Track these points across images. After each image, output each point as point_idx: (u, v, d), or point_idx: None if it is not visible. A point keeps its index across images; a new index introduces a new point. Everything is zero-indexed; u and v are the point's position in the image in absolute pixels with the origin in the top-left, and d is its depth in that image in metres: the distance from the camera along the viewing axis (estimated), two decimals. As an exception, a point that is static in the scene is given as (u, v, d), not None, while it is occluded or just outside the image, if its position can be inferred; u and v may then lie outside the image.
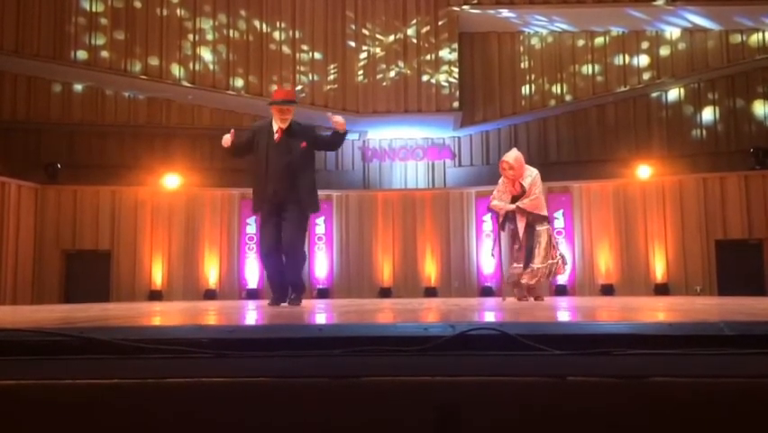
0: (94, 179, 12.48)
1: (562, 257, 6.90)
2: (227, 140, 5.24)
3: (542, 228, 6.64)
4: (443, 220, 12.73)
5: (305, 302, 5.51)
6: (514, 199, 6.69)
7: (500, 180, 6.85)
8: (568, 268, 7.34)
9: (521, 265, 6.70)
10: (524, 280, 6.64)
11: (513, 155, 6.73)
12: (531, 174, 6.69)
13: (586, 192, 12.34)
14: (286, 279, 5.23)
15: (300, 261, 5.32)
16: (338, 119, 5.27)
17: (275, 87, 13.27)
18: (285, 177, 5.11)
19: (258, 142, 5.24)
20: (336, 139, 5.37)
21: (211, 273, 12.37)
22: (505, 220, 6.79)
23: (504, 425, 1.32)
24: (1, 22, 12.39)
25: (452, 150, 14.01)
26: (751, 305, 4.40)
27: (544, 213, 6.75)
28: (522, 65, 13.76)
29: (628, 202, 12.13)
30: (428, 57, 13.15)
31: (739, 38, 12.90)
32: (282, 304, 5.20)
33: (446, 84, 13.04)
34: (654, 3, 12.60)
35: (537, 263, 6.58)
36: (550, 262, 6.62)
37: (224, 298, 11.90)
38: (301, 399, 1.35)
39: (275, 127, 5.22)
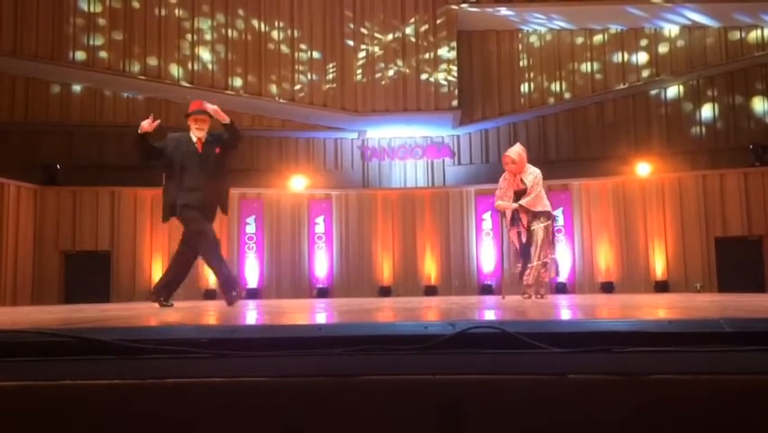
0: (93, 179, 12.47)
1: (554, 262, 6.89)
2: (149, 124, 5.33)
3: (538, 226, 6.64)
4: (443, 219, 12.73)
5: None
6: (517, 196, 6.71)
7: (501, 178, 6.89)
8: (557, 273, 7.39)
9: (519, 264, 6.77)
10: (525, 280, 6.66)
11: (516, 150, 6.79)
12: (533, 172, 6.72)
13: (585, 190, 12.34)
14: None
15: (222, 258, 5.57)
16: (211, 108, 5.42)
17: (274, 88, 13.28)
18: (205, 185, 5.32)
19: (171, 152, 5.40)
20: (231, 133, 5.53)
21: (210, 273, 12.34)
22: (512, 219, 6.80)
23: (505, 423, 1.32)
24: (-1, 23, 12.39)
25: (451, 148, 14.01)
26: (751, 302, 4.40)
27: (544, 209, 6.73)
28: (521, 63, 13.75)
29: (628, 200, 12.13)
30: (427, 55, 13.15)
31: (738, 35, 12.90)
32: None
33: (445, 82, 13.04)
34: (653, 0, 12.60)
35: (534, 261, 6.61)
36: (543, 260, 6.62)
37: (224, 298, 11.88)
38: (301, 399, 1.35)
39: (194, 138, 5.44)
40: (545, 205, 6.75)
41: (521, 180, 6.71)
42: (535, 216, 6.66)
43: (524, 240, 6.72)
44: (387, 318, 3.03)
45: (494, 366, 1.47)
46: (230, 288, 5.40)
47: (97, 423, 1.34)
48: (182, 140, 5.46)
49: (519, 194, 6.70)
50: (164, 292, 5.48)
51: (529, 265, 6.61)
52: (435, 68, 13.10)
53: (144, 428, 1.34)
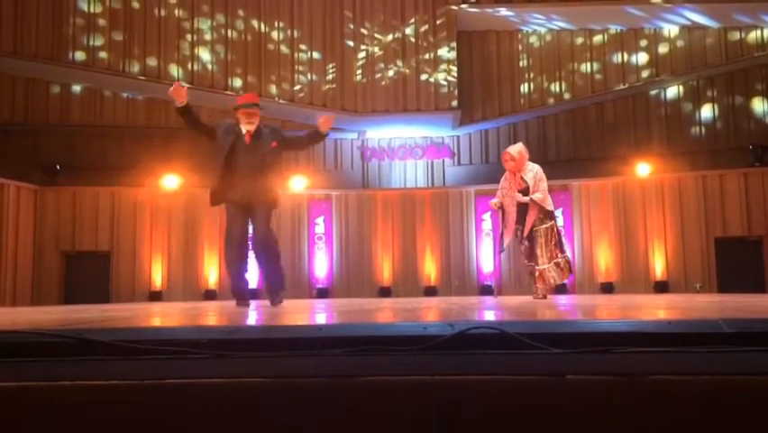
0: (93, 180, 12.47)
1: (567, 261, 6.63)
2: (180, 92, 5.09)
3: (541, 227, 6.52)
4: (443, 219, 12.73)
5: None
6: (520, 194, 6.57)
7: (503, 178, 6.77)
8: (572, 272, 6.97)
9: (532, 264, 6.56)
10: (539, 286, 6.50)
11: (516, 148, 6.69)
12: (533, 169, 6.58)
13: (585, 190, 12.34)
14: (264, 278, 5.45)
15: (277, 255, 5.52)
16: (326, 118, 5.29)
17: (274, 88, 13.29)
18: (252, 179, 5.20)
19: (221, 138, 5.27)
20: (311, 140, 5.46)
21: (211, 274, 12.36)
22: (516, 218, 6.61)
23: (504, 423, 1.32)
24: (-1, 23, 12.40)
25: (451, 149, 14.01)
26: (750, 302, 4.40)
27: (549, 207, 6.60)
28: (521, 63, 13.76)
29: (628, 200, 12.12)
30: (427, 56, 13.15)
31: (738, 35, 12.91)
32: (251, 304, 5.32)
33: (445, 83, 13.04)
34: (653, 0, 12.60)
35: (542, 264, 6.45)
36: (555, 261, 6.46)
37: (224, 298, 11.89)
38: (301, 399, 1.35)
39: (244, 130, 5.27)
40: (550, 203, 6.65)
41: (521, 179, 6.56)
42: (541, 217, 6.52)
43: (524, 240, 6.57)
44: (386, 319, 3.03)
45: (493, 367, 1.47)
46: (234, 295, 5.37)
47: (97, 423, 1.34)
48: (233, 128, 5.29)
49: (522, 192, 6.55)
50: (236, 295, 5.38)
51: (537, 268, 6.45)
52: (435, 68, 13.10)
53: (144, 428, 1.34)
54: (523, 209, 6.56)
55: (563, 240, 6.95)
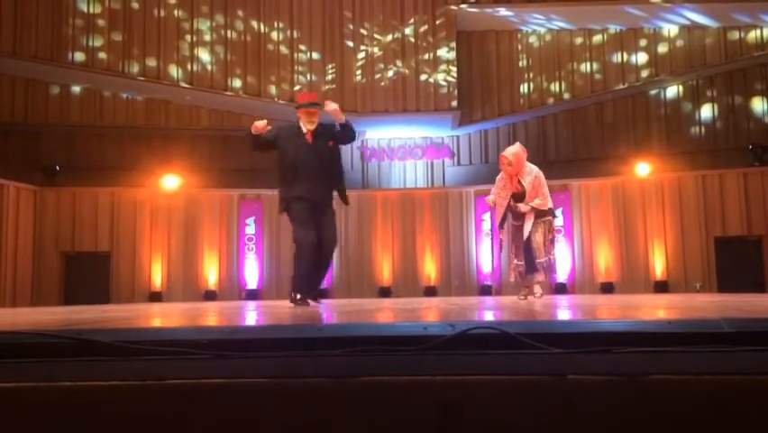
0: (92, 180, 12.47)
1: (550, 261, 6.56)
2: (262, 126, 5.20)
3: (540, 220, 6.40)
4: (443, 219, 12.73)
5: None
6: (514, 196, 6.43)
7: (498, 177, 6.64)
8: (555, 272, 6.96)
9: (522, 263, 6.44)
10: (538, 279, 6.42)
11: (512, 150, 6.50)
12: (531, 172, 6.43)
13: (585, 190, 12.34)
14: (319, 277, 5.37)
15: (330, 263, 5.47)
16: (331, 107, 5.25)
17: (274, 89, 13.27)
18: (319, 177, 5.19)
19: (283, 143, 5.29)
20: (345, 132, 5.38)
21: (211, 274, 12.36)
22: (504, 219, 6.59)
23: (505, 423, 1.32)
24: (-2, 24, 12.40)
25: (450, 149, 14.01)
26: (750, 302, 4.40)
27: (549, 206, 6.52)
28: (520, 63, 13.76)
29: (627, 200, 12.12)
30: (426, 56, 13.15)
31: (737, 35, 12.91)
32: (311, 303, 5.20)
33: (444, 83, 13.04)
34: (652, 0, 12.60)
35: (539, 257, 6.36)
36: (545, 258, 6.40)
37: (224, 298, 11.90)
38: (301, 399, 1.35)
39: (304, 129, 5.27)
40: (550, 202, 6.57)
41: (518, 182, 6.41)
42: (539, 214, 6.40)
43: (520, 238, 6.46)
44: (386, 319, 3.02)
45: (494, 367, 1.47)
46: (300, 292, 5.18)
47: (97, 424, 1.34)
48: (293, 131, 5.33)
49: (518, 196, 6.43)
50: (303, 289, 5.22)
51: (537, 262, 6.35)
52: (435, 68, 13.10)
53: (144, 428, 1.34)
54: (521, 213, 6.47)
55: (555, 240, 6.86)
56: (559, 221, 11.95)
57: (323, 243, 5.23)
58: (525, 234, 6.39)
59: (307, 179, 5.18)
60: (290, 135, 5.30)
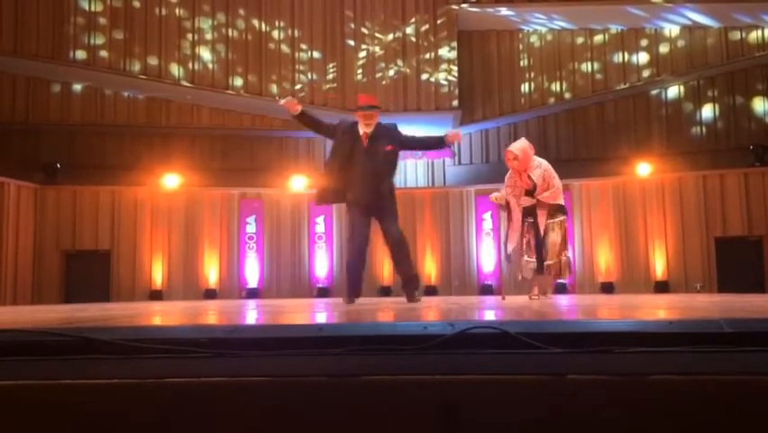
0: (93, 179, 12.47)
1: (568, 259, 6.30)
2: (294, 106, 5.26)
3: (554, 221, 6.14)
4: (443, 219, 12.72)
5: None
6: (527, 193, 6.18)
7: (507, 175, 6.38)
8: (571, 271, 6.56)
9: (533, 260, 6.18)
10: (539, 284, 6.21)
11: (518, 145, 6.30)
12: (540, 165, 6.19)
13: (586, 190, 12.33)
14: (359, 277, 5.61)
15: (409, 252, 5.58)
16: (455, 133, 5.52)
17: (275, 88, 13.28)
18: (372, 180, 5.25)
19: (341, 139, 5.33)
20: (436, 146, 5.64)
21: (211, 273, 12.36)
22: (524, 215, 6.25)
23: (504, 423, 1.32)
24: (-1, 22, 12.40)
25: (451, 148, 14.00)
26: (751, 302, 4.40)
27: (561, 202, 6.28)
28: (521, 63, 13.75)
29: (628, 200, 12.12)
30: (427, 55, 13.15)
31: (738, 35, 12.90)
32: (357, 300, 5.45)
33: (445, 82, 13.04)
34: (653, 0, 12.60)
35: (550, 258, 6.11)
36: (559, 259, 6.14)
37: (225, 297, 11.90)
38: (301, 398, 1.35)
39: (361, 131, 5.31)
40: (562, 198, 6.28)
41: (528, 177, 6.13)
42: (552, 212, 6.16)
43: (532, 235, 6.18)
44: (386, 318, 3.03)
45: (494, 366, 1.47)
46: (347, 291, 5.47)
47: (97, 423, 1.34)
48: (352, 129, 5.36)
49: (529, 192, 6.14)
50: (347, 291, 5.50)
51: (546, 264, 6.10)
52: (436, 68, 13.10)
53: (144, 427, 1.34)
54: (532, 208, 6.18)
55: (566, 239, 6.48)
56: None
57: (387, 239, 5.38)
58: (542, 231, 6.14)
59: (358, 182, 5.23)
60: (348, 132, 5.33)
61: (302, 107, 5.36)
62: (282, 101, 5.35)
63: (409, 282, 5.50)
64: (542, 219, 6.15)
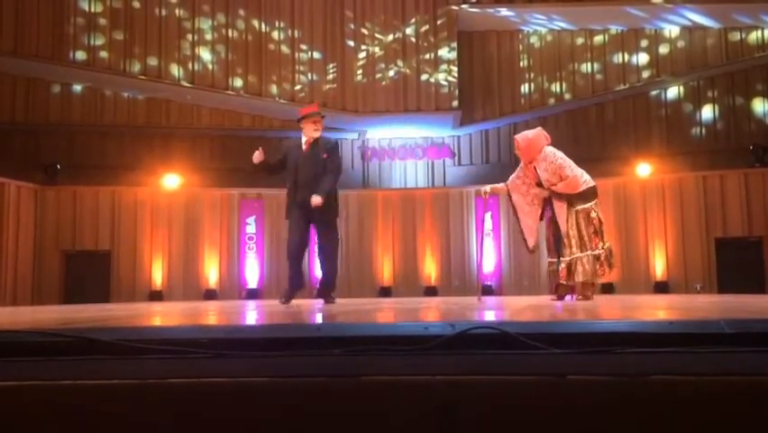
0: (93, 179, 12.47)
1: (609, 253, 5.53)
2: (257, 156, 5.74)
3: (575, 209, 5.52)
4: (443, 219, 12.73)
5: (299, 302, 5.86)
6: (537, 186, 5.72)
7: (518, 167, 5.93)
8: (611, 267, 5.65)
9: (554, 260, 5.62)
10: (562, 280, 5.52)
11: (525, 133, 5.88)
12: (545, 158, 5.64)
13: (586, 190, 12.31)
14: (303, 279, 5.90)
15: (334, 257, 5.84)
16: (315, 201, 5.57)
17: (275, 88, 13.27)
18: (310, 184, 5.57)
19: (288, 156, 5.77)
20: (329, 176, 5.71)
21: (211, 273, 12.36)
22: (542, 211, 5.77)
23: (504, 424, 1.32)
24: (-1, 22, 12.41)
25: (451, 149, 14.01)
26: (751, 302, 4.40)
27: (581, 189, 5.59)
28: (521, 64, 13.76)
29: (628, 200, 12.12)
30: (427, 56, 13.15)
31: (738, 36, 12.90)
32: (293, 302, 5.70)
33: (445, 83, 13.04)
34: (653, 1, 12.60)
35: (570, 254, 5.45)
36: (593, 253, 5.44)
37: (225, 298, 11.90)
38: (301, 399, 1.35)
39: (304, 140, 5.74)
40: (581, 184, 5.60)
41: (534, 170, 5.67)
42: (572, 201, 5.55)
43: (553, 231, 5.63)
44: (387, 319, 3.02)
45: (494, 367, 1.47)
46: (287, 290, 5.73)
47: (97, 423, 1.34)
48: (295, 144, 5.86)
49: (540, 185, 5.68)
50: (285, 290, 5.79)
51: (563, 260, 5.49)
52: (436, 68, 13.10)
53: (144, 428, 1.34)
54: (549, 200, 5.66)
55: (603, 229, 5.64)
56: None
57: (317, 242, 5.78)
58: (562, 227, 5.52)
59: (300, 186, 5.61)
60: (291, 148, 5.83)
61: (263, 158, 5.75)
62: (255, 155, 5.79)
63: (326, 284, 5.78)
64: (560, 212, 5.55)
